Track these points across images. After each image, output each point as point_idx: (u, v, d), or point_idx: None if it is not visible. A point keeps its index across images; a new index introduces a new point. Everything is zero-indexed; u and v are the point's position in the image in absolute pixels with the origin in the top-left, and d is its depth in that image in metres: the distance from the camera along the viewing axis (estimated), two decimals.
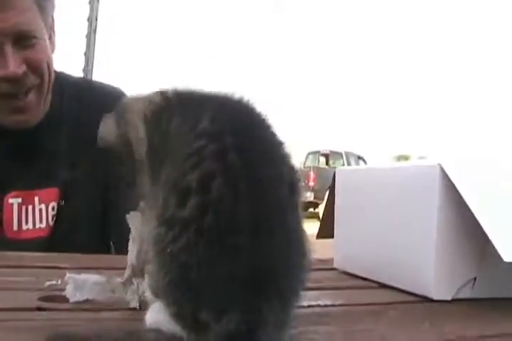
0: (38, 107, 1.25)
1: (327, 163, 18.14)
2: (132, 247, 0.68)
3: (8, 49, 1.12)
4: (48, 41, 1.21)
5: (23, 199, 1.23)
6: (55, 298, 0.67)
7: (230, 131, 0.53)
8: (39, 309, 0.63)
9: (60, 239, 1.23)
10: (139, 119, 0.65)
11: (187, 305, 0.49)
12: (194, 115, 0.56)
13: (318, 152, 18.51)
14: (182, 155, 0.52)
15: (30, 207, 1.23)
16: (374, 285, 0.87)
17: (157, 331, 0.52)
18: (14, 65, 1.13)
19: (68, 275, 0.69)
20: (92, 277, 0.70)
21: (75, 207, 1.26)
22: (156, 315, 0.54)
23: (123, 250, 1.18)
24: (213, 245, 0.48)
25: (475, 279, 0.77)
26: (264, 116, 0.57)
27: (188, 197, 0.49)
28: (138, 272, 0.67)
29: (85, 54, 4.74)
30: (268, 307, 0.47)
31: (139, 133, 0.64)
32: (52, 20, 1.25)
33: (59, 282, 0.73)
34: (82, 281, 0.69)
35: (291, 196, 0.53)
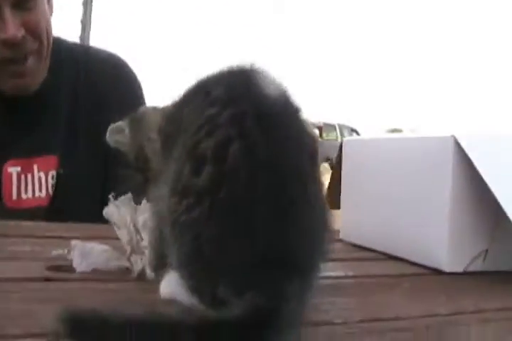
0: (37, 72, 1.22)
1: (320, 136, 18.10)
2: (121, 234, 0.67)
3: (7, 12, 1.09)
4: (46, 4, 1.18)
5: (22, 168, 1.21)
6: (62, 268, 0.65)
7: (246, 96, 0.50)
8: (47, 280, 0.61)
9: (59, 208, 1.21)
10: (155, 132, 0.63)
11: (203, 280, 0.48)
12: (207, 86, 0.53)
13: (312, 124, 18.45)
14: (196, 125, 0.50)
15: (29, 176, 1.21)
16: (382, 256, 0.86)
17: (173, 303, 0.51)
18: (13, 29, 1.10)
19: (74, 242, 0.68)
20: (99, 245, 0.69)
21: (75, 176, 1.24)
22: (171, 286, 0.52)
23: None
24: (228, 218, 0.46)
25: (486, 251, 0.77)
26: (280, 82, 0.54)
27: (203, 165, 0.47)
28: (138, 251, 0.66)
29: (82, 21, 4.66)
30: (289, 282, 0.45)
31: (155, 146, 0.61)
32: None
33: (66, 251, 0.71)
34: (88, 249, 0.68)
35: (312, 166, 0.51)
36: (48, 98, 1.25)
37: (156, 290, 0.55)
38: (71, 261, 0.66)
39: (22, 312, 0.50)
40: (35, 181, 1.22)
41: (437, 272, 0.75)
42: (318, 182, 0.51)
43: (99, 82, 1.29)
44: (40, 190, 1.22)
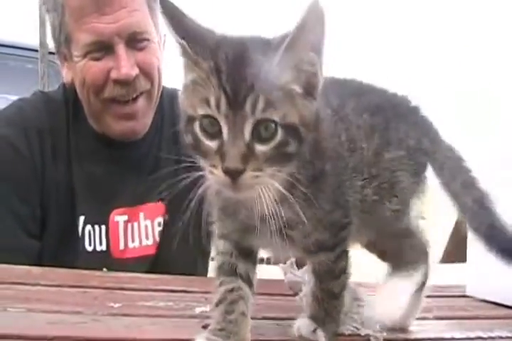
0: (146, 114, 1.16)
1: None
2: None
3: (121, 49, 1.05)
4: (157, 44, 1.12)
5: (128, 217, 1.15)
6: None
7: None
8: None
9: (166, 257, 1.14)
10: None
11: None
12: None
13: None
14: None
15: (135, 224, 1.15)
16: None
17: None
18: (127, 67, 1.06)
19: None
20: None
21: (180, 222, 1.18)
22: None
23: None
24: None
25: None
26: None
27: None
28: None
29: None
30: None
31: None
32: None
33: (208, 308, 0.68)
34: None
35: None
36: (151, 143, 1.20)
37: None
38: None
39: None
40: (142, 229, 1.16)
41: None
42: None
43: None
44: (147, 237, 1.16)
